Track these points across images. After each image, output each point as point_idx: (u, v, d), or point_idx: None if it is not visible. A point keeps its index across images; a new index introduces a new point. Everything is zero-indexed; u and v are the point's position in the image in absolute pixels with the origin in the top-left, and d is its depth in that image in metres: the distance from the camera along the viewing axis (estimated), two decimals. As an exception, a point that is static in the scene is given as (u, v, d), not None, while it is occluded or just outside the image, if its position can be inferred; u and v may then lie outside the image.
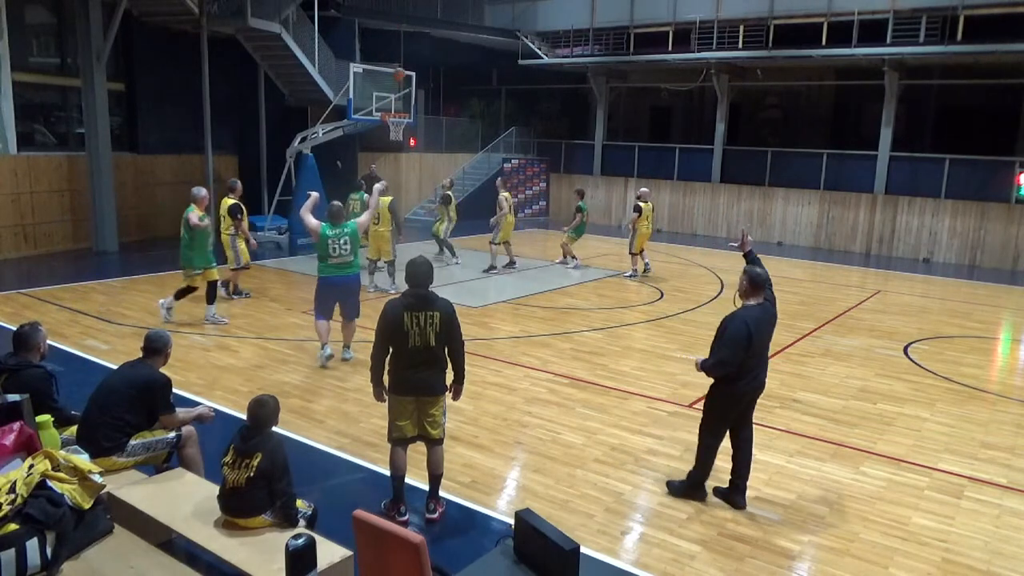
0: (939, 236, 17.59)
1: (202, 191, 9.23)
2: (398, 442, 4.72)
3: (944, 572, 4.40)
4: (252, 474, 3.75)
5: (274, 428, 4.04)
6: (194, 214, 8.99)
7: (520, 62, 22.16)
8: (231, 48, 16.56)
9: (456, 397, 4.91)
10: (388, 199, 11.19)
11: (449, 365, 4.70)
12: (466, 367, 4.83)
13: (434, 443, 4.73)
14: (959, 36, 16.08)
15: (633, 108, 25.99)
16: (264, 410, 3.92)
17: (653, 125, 25.37)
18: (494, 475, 5.48)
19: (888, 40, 16.98)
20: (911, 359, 8.94)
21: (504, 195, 13.51)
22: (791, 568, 4.40)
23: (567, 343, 9.04)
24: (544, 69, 22.74)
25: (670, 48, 20.03)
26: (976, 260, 17.11)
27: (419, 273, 4.55)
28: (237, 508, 3.79)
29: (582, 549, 3.12)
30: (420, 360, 4.55)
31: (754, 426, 6.53)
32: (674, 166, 21.72)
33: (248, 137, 18.15)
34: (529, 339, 9.08)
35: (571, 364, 8.18)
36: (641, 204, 13.13)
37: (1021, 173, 16.68)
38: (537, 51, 21.98)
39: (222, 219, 10.42)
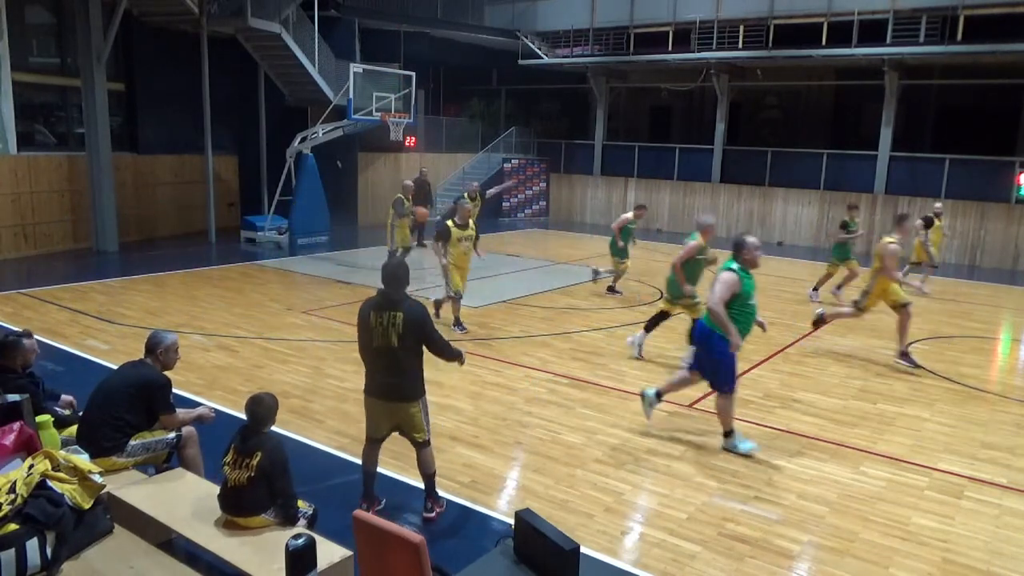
0: (939, 236, 17.56)
1: (708, 219, 8.47)
2: (369, 440, 4.77)
3: (944, 572, 4.40)
4: (253, 473, 3.76)
5: (273, 428, 4.05)
6: (696, 242, 8.00)
7: (520, 62, 22.15)
8: (231, 48, 16.57)
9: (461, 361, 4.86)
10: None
11: (420, 375, 4.61)
12: (467, 366, 4.79)
13: (419, 446, 4.69)
14: (959, 36, 16.08)
15: (633, 108, 25.99)
16: (261, 407, 3.94)
17: (653, 125, 25.37)
18: (494, 475, 5.48)
19: (888, 40, 16.98)
20: (911, 359, 8.92)
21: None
22: (791, 568, 4.40)
23: (567, 343, 9.04)
24: (544, 69, 22.74)
25: (670, 48, 20.03)
26: (976, 260, 17.11)
27: (387, 275, 4.53)
28: (238, 507, 3.80)
29: (582, 549, 3.12)
30: (385, 363, 4.50)
31: (753, 425, 6.55)
32: (674, 166, 21.72)
33: (248, 137, 18.16)
34: (529, 339, 9.08)
35: (571, 364, 8.18)
36: (933, 218, 12.64)
37: (1021, 173, 16.68)
38: (537, 51, 21.97)
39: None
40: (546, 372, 7.87)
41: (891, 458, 5.94)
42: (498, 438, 6.12)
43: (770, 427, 6.55)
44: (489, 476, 5.45)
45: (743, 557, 4.47)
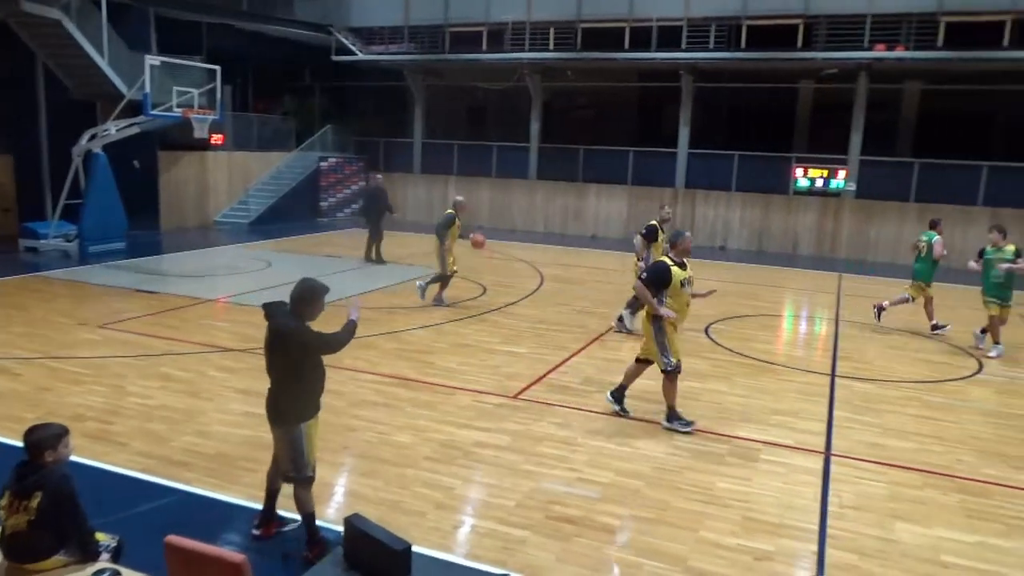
0: (732, 225, 19.38)
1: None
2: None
3: (745, 529, 4.86)
4: (33, 517, 3.34)
5: (70, 458, 3.62)
6: (938, 242, 9.79)
7: (334, 58, 21.61)
8: (2, 35, 14.72)
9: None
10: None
11: (294, 398, 4.32)
12: None
13: (287, 480, 4.44)
14: (743, 44, 17.79)
15: (451, 106, 26.16)
16: (35, 435, 3.47)
17: (471, 123, 25.71)
18: (322, 483, 5.27)
19: (683, 46, 18.40)
20: (711, 339, 9.76)
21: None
22: (613, 541, 4.66)
23: (392, 343, 8.95)
24: (359, 66, 22.33)
25: (484, 48, 20.42)
26: (761, 245, 19.01)
27: (296, 291, 4.32)
28: (22, 555, 3.38)
29: (415, 548, 3.11)
30: (269, 376, 4.39)
31: (573, 410, 6.84)
32: (492, 163, 22.19)
33: (26, 134, 16.24)
34: (353, 340, 8.87)
35: (397, 364, 8.11)
36: None
37: (796, 168, 18.78)
38: (351, 47, 21.52)
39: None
40: (372, 374, 7.74)
41: (697, 431, 6.46)
42: (324, 444, 5.91)
43: (590, 411, 6.88)
44: (317, 485, 5.24)
45: (570, 537, 4.66)
